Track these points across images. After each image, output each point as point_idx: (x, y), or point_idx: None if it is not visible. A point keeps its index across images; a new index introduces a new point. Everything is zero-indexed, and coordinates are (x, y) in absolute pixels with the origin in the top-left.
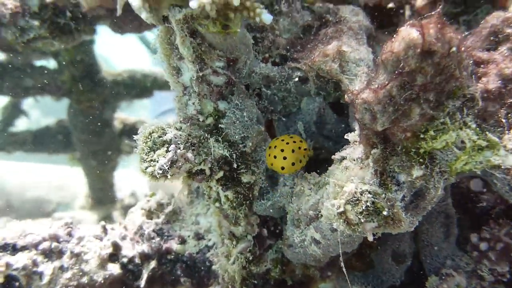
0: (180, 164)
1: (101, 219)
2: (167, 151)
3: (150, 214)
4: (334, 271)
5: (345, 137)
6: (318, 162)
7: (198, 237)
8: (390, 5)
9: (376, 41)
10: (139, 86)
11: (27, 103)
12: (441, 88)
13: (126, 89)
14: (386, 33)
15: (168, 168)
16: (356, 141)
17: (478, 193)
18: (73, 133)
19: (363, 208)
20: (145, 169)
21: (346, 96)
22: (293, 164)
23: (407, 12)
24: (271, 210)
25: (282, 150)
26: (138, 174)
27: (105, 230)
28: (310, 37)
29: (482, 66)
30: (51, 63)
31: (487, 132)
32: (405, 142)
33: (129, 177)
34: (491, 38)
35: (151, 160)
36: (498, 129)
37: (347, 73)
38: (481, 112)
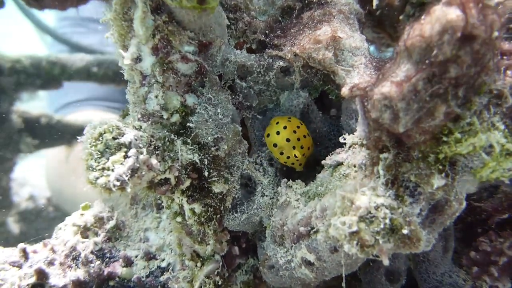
0: (142, 173)
1: None
2: (126, 156)
3: (85, 231)
4: None
5: (341, 140)
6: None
7: (148, 257)
8: None
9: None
10: (45, 75)
11: None
12: (473, 82)
13: (29, 79)
14: None
15: (128, 179)
16: (355, 144)
17: (471, 200)
18: None
19: (381, 226)
20: (95, 180)
21: (344, 90)
22: (303, 155)
23: None
24: (245, 225)
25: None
26: (86, 185)
27: (25, 254)
28: (291, 21)
29: (505, 57)
30: None
31: None
32: (423, 146)
33: (29, 179)
34: (510, 25)
35: (103, 169)
36: None
37: (343, 63)
38: (509, 110)
